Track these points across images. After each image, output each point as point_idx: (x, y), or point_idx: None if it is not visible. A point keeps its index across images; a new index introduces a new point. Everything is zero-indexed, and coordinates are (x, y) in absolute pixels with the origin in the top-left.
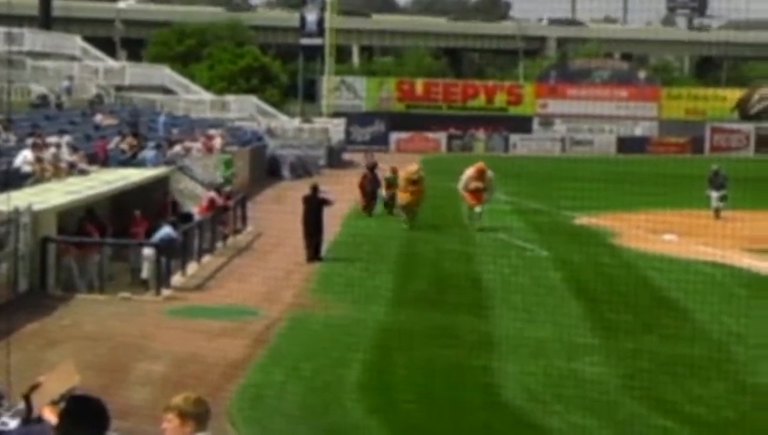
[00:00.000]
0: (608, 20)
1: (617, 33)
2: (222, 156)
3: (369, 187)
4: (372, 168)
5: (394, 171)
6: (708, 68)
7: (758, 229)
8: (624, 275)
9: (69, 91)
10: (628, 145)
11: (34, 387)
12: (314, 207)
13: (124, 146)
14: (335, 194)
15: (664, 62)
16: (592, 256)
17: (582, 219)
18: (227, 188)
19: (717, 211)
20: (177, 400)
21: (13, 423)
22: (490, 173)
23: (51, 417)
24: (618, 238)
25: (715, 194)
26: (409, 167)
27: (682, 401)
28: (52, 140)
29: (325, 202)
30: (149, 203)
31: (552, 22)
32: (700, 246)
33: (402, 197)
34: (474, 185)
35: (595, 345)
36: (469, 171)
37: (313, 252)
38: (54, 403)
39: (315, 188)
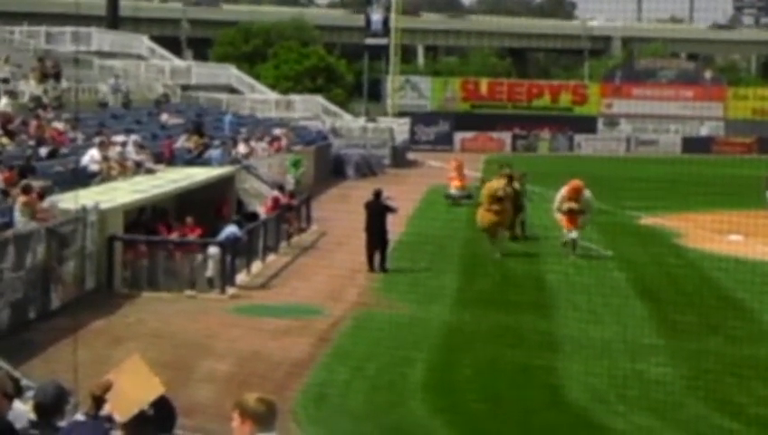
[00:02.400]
0: (674, 20)
1: (683, 33)
2: (291, 156)
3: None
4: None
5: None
6: None
7: None
8: (689, 276)
9: (115, 89)
10: (693, 145)
11: (106, 388)
12: (377, 213)
13: (190, 145)
14: (398, 194)
15: (730, 61)
16: (657, 257)
17: (647, 220)
18: (295, 188)
19: None
20: (241, 398)
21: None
22: (587, 193)
23: (118, 417)
24: (683, 239)
25: None
26: (494, 181)
27: (747, 403)
28: (119, 139)
29: (389, 209)
30: (214, 202)
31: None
32: (767, 246)
33: (483, 217)
34: (567, 206)
35: (660, 346)
36: (563, 190)
37: (377, 263)
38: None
39: (378, 194)
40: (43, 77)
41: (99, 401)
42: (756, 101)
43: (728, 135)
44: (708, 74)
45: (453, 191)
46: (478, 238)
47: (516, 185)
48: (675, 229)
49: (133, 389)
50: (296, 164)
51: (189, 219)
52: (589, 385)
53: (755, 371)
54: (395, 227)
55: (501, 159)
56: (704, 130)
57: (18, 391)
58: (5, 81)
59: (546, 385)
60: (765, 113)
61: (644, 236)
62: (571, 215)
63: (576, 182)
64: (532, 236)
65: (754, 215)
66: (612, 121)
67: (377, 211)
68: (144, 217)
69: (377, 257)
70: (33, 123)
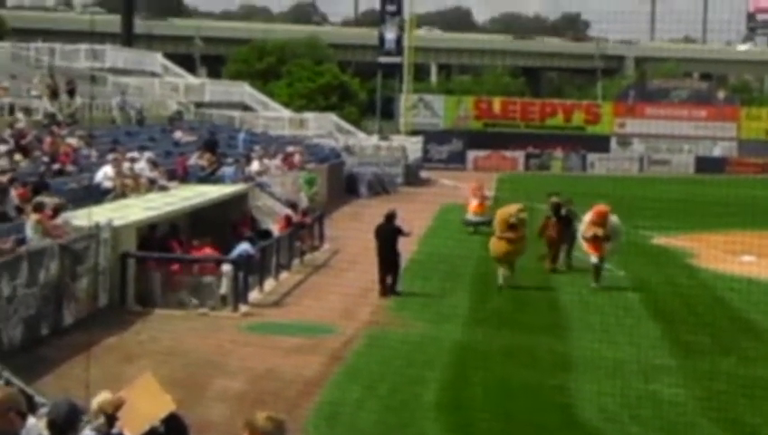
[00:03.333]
0: (687, 39)
1: (696, 53)
2: (304, 174)
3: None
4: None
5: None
6: None
7: None
8: (701, 296)
9: (122, 107)
10: (706, 165)
11: (118, 406)
12: (389, 237)
13: (203, 162)
14: (411, 213)
15: (743, 81)
16: (670, 277)
17: (660, 239)
18: (307, 206)
19: None
20: (250, 416)
21: None
22: (614, 218)
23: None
24: (695, 259)
25: None
26: (509, 207)
27: (761, 423)
28: (133, 155)
29: (401, 233)
30: (227, 220)
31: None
32: None
33: (495, 245)
34: (592, 232)
35: (672, 366)
36: (588, 215)
37: (388, 287)
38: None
39: (389, 217)
40: (53, 94)
41: (111, 418)
42: None
43: (741, 155)
44: (721, 94)
45: (470, 217)
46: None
47: (563, 211)
48: (687, 249)
49: (145, 406)
50: (310, 182)
51: (195, 242)
52: (602, 405)
53: None
54: (407, 245)
55: (550, 189)
56: (717, 151)
57: (31, 408)
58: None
59: (559, 405)
60: None
61: (656, 255)
62: (596, 241)
63: (601, 207)
64: (578, 267)
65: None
66: (625, 141)
67: (388, 235)
68: (158, 234)
69: (389, 281)
70: (48, 140)
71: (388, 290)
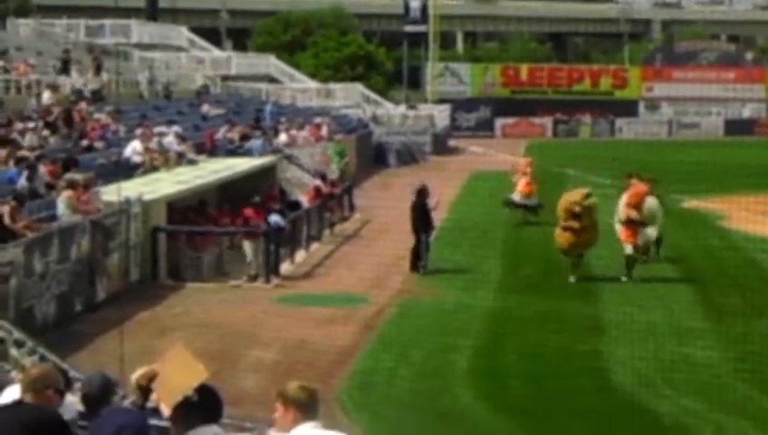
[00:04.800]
0: (714, 1)
1: (723, 15)
2: (334, 145)
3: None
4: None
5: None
6: None
7: None
8: (733, 258)
9: (151, 81)
10: (735, 127)
11: (151, 377)
12: (421, 212)
13: (232, 135)
14: (440, 181)
15: None
16: (701, 240)
17: (690, 202)
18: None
19: None
20: (283, 387)
21: None
22: (652, 201)
23: (165, 409)
24: (726, 221)
25: None
26: (573, 192)
27: None
28: (161, 129)
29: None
30: (256, 192)
31: (657, 4)
32: None
33: (560, 237)
34: (626, 214)
35: (705, 329)
36: (625, 196)
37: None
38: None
39: (421, 192)
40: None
41: (145, 390)
42: None
43: None
44: (750, 56)
45: (516, 196)
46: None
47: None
48: (718, 212)
49: (177, 376)
50: (341, 153)
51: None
52: (635, 369)
53: None
54: (437, 213)
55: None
56: (746, 112)
57: (68, 385)
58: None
59: (592, 369)
60: None
61: (687, 218)
62: (630, 226)
63: (639, 186)
64: (668, 257)
65: None
66: (653, 105)
67: (422, 210)
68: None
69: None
70: (76, 116)
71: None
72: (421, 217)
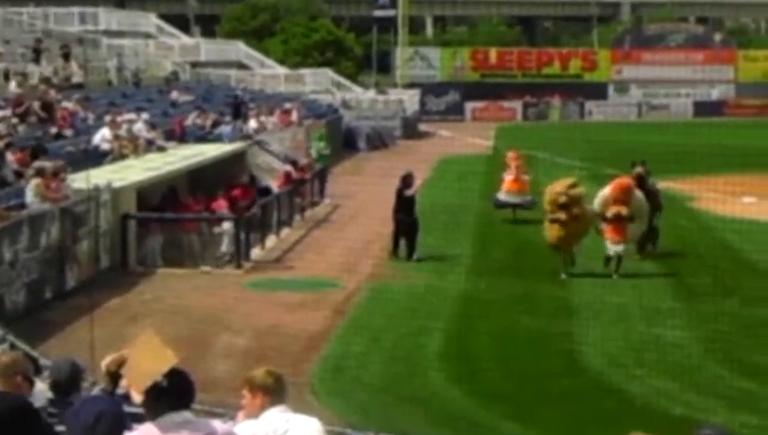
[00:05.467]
0: None
1: None
2: (315, 131)
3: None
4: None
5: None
6: None
7: None
8: (703, 238)
9: (119, 69)
10: (704, 109)
11: (120, 363)
12: (407, 200)
13: (201, 121)
14: (410, 165)
15: (740, 24)
16: (671, 220)
17: (660, 184)
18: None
19: None
20: (249, 374)
21: None
22: (639, 193)
23: (136, 395)
24: (696, 202)
25: None
26: (558, 182)
27: (765, 363)
28: (130, 117)
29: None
30: (227, 178)
31: None
32: None
33: (547, 230)
34: (614, 211)
35: (676, 309)
36: (606, 190)
37: (402, 251)
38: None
39: (404, 179)
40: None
41: (115, 376)
42: (766, 63)
43: (739, 98)
44: (718, 37)
45: (502, 196)
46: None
47: (650, 183)
48: (687, 193)
49: (147, 362)
50: (321, 138)
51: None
52: (605, 350)
53: None
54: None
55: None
56: (715, 94)
57: (37, 372)
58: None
59: (563, 351)
60: None
61: None
62: (619, 223)
63: (624, 180)
64: (668, 251)
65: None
66: (623, 87)
67: (405, 199)
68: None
69: (401, 245)
70: (37, 103)
71: (401, 255)
72: (401, 204)
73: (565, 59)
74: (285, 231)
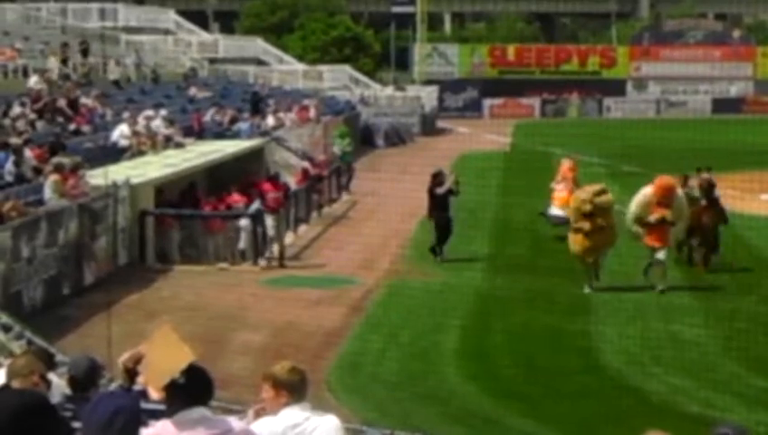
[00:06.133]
0: None
1: None
2: (338, 128)
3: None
4: None
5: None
6: None
7: None
8: (721, 235)
9: (138, 65)
10: (723, 105)
11: (138, 360)
12: (439, 200)
13: (220, 118)
14: (428, 161)
15: (759, 20)
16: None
17: None
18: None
19: None
20: (273, 369)
21: None
22: (681, 193)
23: (153, 391)
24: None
25: None
26: (584, 188)
27: None
28: (149, 113)
29: (451, 192)
30: (245, 174)
31: None
32: None
33: (573, 241)
34: (658, 215)
35: (693, 307)
36: (647, 191)
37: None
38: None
39: (435, 177)
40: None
41: (131, 373)
42: None
43: (758, 94)
44: (737, 34)
45: (555, 210)
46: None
47: (716, 192)
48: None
49: (164, 358)
50: (343, 136)
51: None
52: (623, 348)
53: None
54: (425, 193)
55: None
56: (733, 91)
57: (52, 365)
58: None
59: (580, 349)
60: None
61: None
62: (661, 228)
63: (666, 180)
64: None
65: None
66: (641, 84)
67: (438, 196)
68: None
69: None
70: (63, 101)
71: (438, 254)
72: (434, 201)
73: (584, 55)
74: (303, 228)
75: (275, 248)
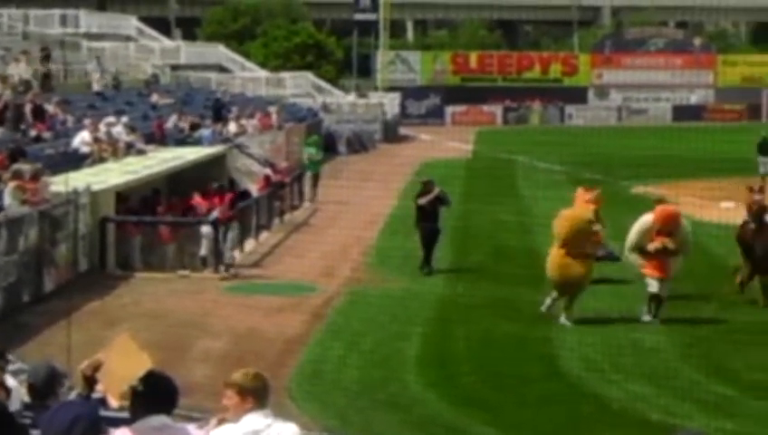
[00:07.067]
0: None
1: (672, 1)
2: (309, 137)
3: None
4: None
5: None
6: (765, 34)
7: None
8: None
9: (101, 71)
10: (683, 113)
11: (96, 367)
12: (430, 209)
13: (182, 124)
14: (391, 168)
15: (720, 29)
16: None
17: (639, 188)
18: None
19: (765, 177)
20: (237, 376)
21: None
22: (686, 224)
23: (112, 400)
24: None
25: (764, 160)
26: (579, 209)
27: (742, 368)
28: (110, 120)
29: (442, 202)
30: (206, 181)
31: None
32: None
33: (554, 265)
34: (657, 244)
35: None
36: (647, 218)
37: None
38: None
39: (427, 185)
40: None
41: (90, 380)
42: (746, 67)
43: (718, 102)
44: (698, 42)
45: None
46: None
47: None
48: (666, 197)
49: (122, 366)
50: (312, 144)
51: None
52: (583, 355)
53: (750, 336)
54: (387, 199)
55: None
56: (694, 98)
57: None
58: None
59: (541, 356)
60: (755, 80)
61: (636, 204)
62: (661, 257)
63: (669, 208)
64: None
65: (746, 181)
66: (603, 92)
67: (430, 205)
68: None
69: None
70: (28, 107)
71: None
72: (419, 212)
73: (545, 63)
74: (264, 235)
75: (230, 256)
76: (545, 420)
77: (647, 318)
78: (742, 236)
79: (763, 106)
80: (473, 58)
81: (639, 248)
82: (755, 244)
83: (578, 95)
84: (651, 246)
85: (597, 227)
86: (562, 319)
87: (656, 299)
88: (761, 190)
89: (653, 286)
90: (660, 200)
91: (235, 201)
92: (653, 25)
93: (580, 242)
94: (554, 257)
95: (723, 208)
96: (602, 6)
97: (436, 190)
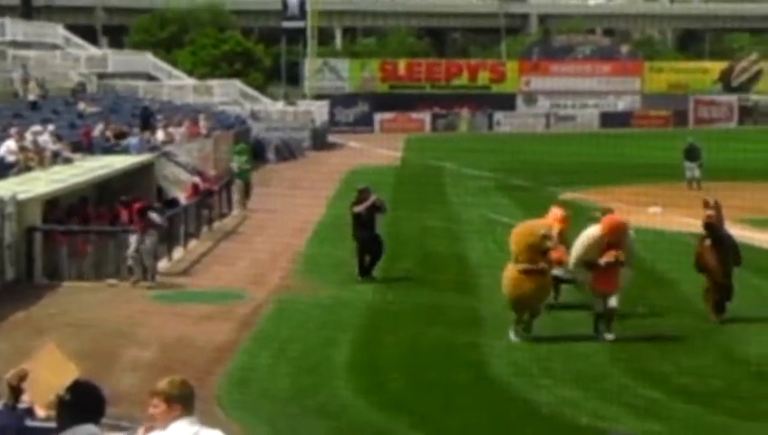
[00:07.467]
0: None
1: (599, 9)
2: (237, 145)
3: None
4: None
5: None
6: (691, 41)
7: (740, 199)
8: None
9: (25, 80)
10: (611, 120)
11: (22, 377)
12: (366, 216)
13: (109, 133)
14: (319, 176)
15: (646, 36)
16: (577, 230)
17: (567, 194)
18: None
19: (691, 182)
20: (163, 384)
21: None
22: (632, 235)
23: (39, 410)
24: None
25: (690, 165)
26: (534, 222)
27: (670, 372)
28: (36, 128)
29: (378, 209)
30: (135, 190)
31: None
32: (685, 217)
33: (506, 280)
34: (610, 256)
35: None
36: (593, 232)
37: (366, 268)
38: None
39: (363, 192)
40: None
41: (16, 390)
42: (672, 74)
43: (645, 109)
44: (625, 49)
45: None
46: (398, 218)
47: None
48: (594, 203)
49: (48, 375)
50: (241, 153)
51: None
52: (512, 360)
53: (678, 341)
54: (316, 208)
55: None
56: (621, 105)
57: None
58: None
59: (470, 362)
60: (681, 86)
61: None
62: (609, 271)
63: (616, 218)
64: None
65: (672, 187)
66: (531, 98)
67: (365, 214)
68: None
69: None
70: None
71: (364, 275)
72: (355, 221)
73: (474, 70)
74: (193, 243)
75: (150, 265)
76: (474, 425)
77: (610, 337)
78: (701, 254)
79: (689, 112)
80: (401, 65)
81: (586, 262)
82: (711, 258)
83: (506, 102)
84: (603, 260)
85: (550, 244)
86: (511, 335)
87: (609, 314)
88: (715, 206)
89: (611, 302)
90: (607, 211)
91: (144, 211)
92: (580, 33)
93: (531, 257)
94: (507, 272)
95: (650, 213)
96: (530, 14)
97: (373, 198)
